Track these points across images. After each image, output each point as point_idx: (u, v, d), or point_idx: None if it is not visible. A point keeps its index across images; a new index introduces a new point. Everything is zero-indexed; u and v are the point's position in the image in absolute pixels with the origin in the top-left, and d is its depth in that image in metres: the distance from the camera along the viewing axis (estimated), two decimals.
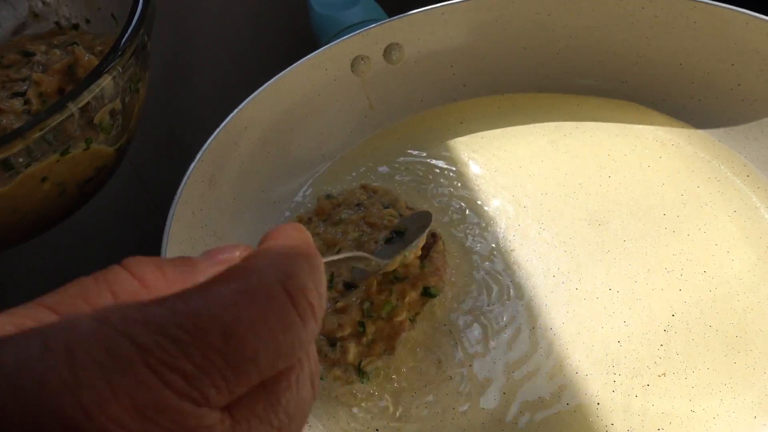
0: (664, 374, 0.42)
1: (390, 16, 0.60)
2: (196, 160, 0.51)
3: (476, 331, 0.46)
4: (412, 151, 0.60)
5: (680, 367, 0.42)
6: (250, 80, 0.57)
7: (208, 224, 0.51)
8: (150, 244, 0.46)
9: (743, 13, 0.51)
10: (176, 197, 0.48)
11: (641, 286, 0.46)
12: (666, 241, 0.48)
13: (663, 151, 0.55)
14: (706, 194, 0.51)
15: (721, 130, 0.54)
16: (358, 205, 0.54)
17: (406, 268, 0.49)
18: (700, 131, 0.55)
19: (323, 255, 0.51)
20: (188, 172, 0.50)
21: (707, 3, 0.53)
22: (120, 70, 0.41)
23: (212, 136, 0.52)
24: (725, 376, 0.41)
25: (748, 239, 0.47)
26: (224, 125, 0.53)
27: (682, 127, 0.56)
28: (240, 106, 0.54)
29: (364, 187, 0.56)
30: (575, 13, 0.59)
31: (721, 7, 0.52)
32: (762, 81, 0.52)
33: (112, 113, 0.41)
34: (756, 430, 0.38)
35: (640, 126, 0.57)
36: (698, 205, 0.50)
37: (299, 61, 0.57)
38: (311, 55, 0.58)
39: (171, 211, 0.47)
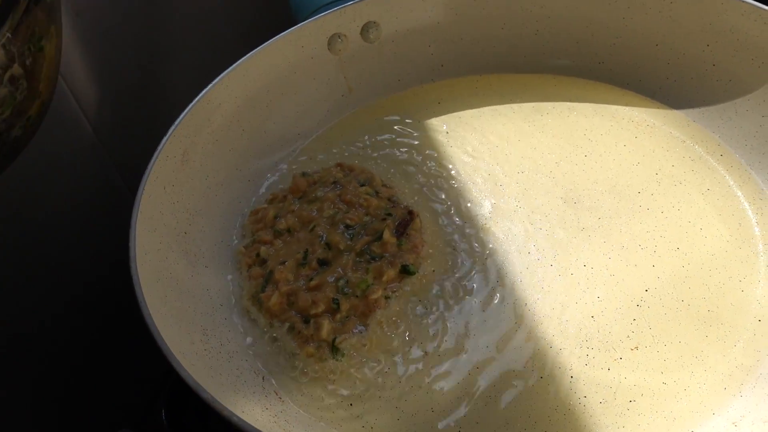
0: (637, 348, 0.42)
1: None
2: (167, 135, 0.50)
3: (451, 308, 0.46)
4: (389, 131, 0.60)
5: (652, 340, 0.42)
6: (227, 57, 0.56)
7: (180, 200, 0.50)
8: (121, 221, 0.45)
9: None
10: (147, 172, 0.47)
11: (615, 262, 0.46)
12: (640, 218, 0.49)
13: (638, 131, 0.55)
14: (680, 173, 0.51)
15: (695, 110, 0.55)
16: (334, 183, 0.54)
17: (383, 245, 0.48)
18: (675, 111, 0.56)
19: (298, 232, 0.51)
20: (159, 148, 0.49)
21: None
22: (9, 35, 0.36)
23: (184, 112, 0.51)
24: (696, 350, 0.41)
25: (721, 217, 0.48)
26: (197, 101, 0.52)
27: (658, 108, 0.56)
28: (213, 83, 0.53)
29: (340, 165, 0.56)
30: None
31: None
32: (736, 61, 0.52)
33: (12, 80, 0.37)
34: (726, 401, 0.39)
35: (616, 106, 0.57)
36: (672, 183, 0.50)
37: (274, 38, 0.57)
38: (287, 31, 0.57)
39: (141, 187, 0.46)
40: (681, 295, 0.44)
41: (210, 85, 0.53)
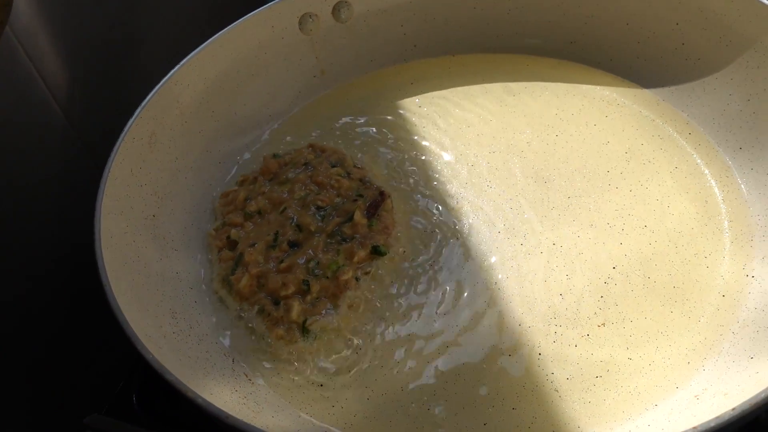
0: (604, 324, 0.42)
1: None
2: (133, 117, 0.49)
3: (421, 287, 0.46)
4: (361, 111, 0.59)
5: (619, 317, 0.42)
6: (200, 36, 0.55)
7: (148, 183, 0.49)
8: (92, 204, 0.44)
9: None
10: (112, 155, 0.46)
11: (584, 240, 0.47)
12: (609, 197, 0.49)
13: (609, 110, 0.55)
14: (649, 151, 0.51)
15: (665, 89, 0.55)
16: (305, 164, 0.53)
17: (353, 227, 0.48)
18: (645, 90, 0.56)
19: (268, 214, 0.50)
20: (125, 130, 0.48)
21: None
22: None
23: (150, 94, 0.50)
24: (662, 325, 0.42)
25: (688, 194, 0.48)
26: (163, 83, 0.51)
27: (628, 87, 0.56)
28: (180, 64, 0.53)
29: (312, 146, 0.55)
30: None
31: None
32: (705, 40, 0.52)
33: None
34: (689, 374, 0.39)
35: (587, 86, 0.57)
36: (641, 162, 0.51)
37: (243, 18, 0.56)
38: (256, 11, 0.56)
39: (106, 170, 0.45)
40: (648, 272, 0.44)
41: (177, 67, 0.52)
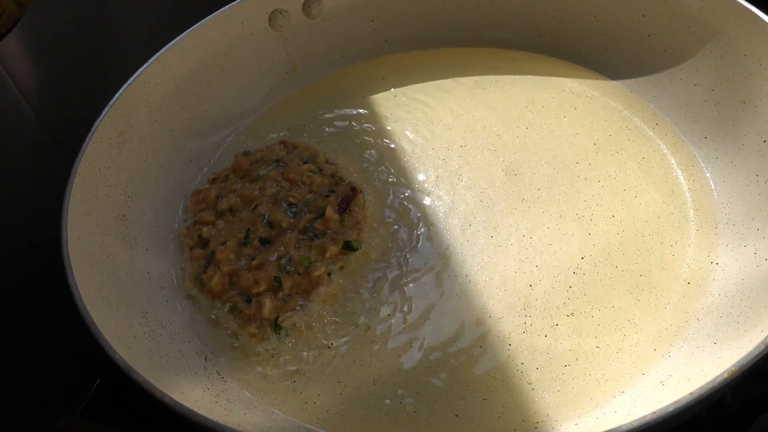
0: (572, 314, 0.43)
1: None
2: (101, 116, 0.48)
3: (393, 282, 0.46)
4: (333, 107, 0.59)
5: (587, 306, 0.43)
6: (172, 32, 0.54)
7: (117, 183, 0.49)
8: (60, 202, 0.44)
9: None
10: (79, 155, 0.46)
11: (553, 231, 0.47)
12: (578, 188, 0.49)
13: (578, 102, 0.56)
14: (617, 142, 0.52)
15: (632, 81, 0.56)
16: (276, 161, 0.53)
17: (325, 222, 0.48)
18: (613, 82, 0.56)
19: (240, 211, 0.50)
20: (93, 129, 0.48)
21: None
22: None
23: (118, 93, 0.50)
24: (629, 313, 0.42)
25: (655, 184, 0.49)
26: (131, 81, 0.51)
27: (597, 79, 0.57)
28: (149, 62, 0.52)
29: (283, 142, 0.55)
30: None
31: None
32: (670, 31, 0.53)
33: None
34: (655, 361, 0.40)
35: (557, 78, 0.58)
36: (609, 153, 0.51)
37: (211, 15, 0.56)
38: (225, 8, 0.56)
39: (74, 170, 0.45)
40: (615, 262, 0.45)
41: (145, 65, 0.52)
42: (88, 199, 0.45)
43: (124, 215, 0.48)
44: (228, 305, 0.45)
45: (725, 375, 0.30)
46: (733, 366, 0.30)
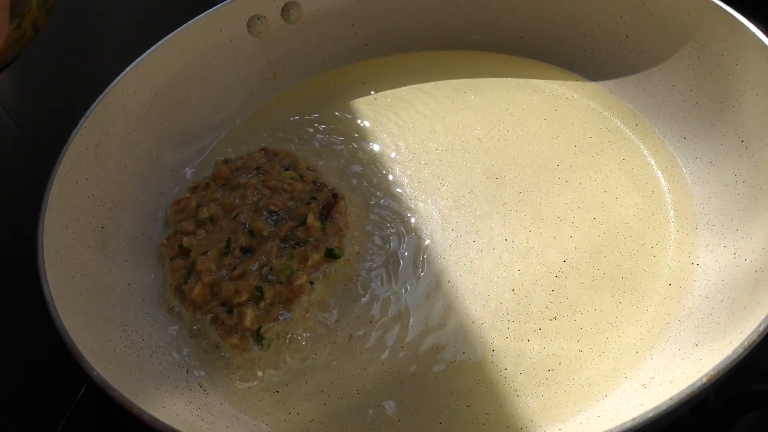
0: (555, 318, 0.43)
1: None
2: (77, 128, 0.48)
3: (376, 289, 0.46)
4: (314, 112, 0.59)
5: (570, 310, 0.43)
6: (152, 40, 0.54)
7: (95, 194, 0.48)
8: (34, 213, 0.43)
9: None
10: (55, 167, 0.45)
11: (535, 235, 0.47)
12: (559, 190, 0.49)
13: (558, 104, 0.56)
14: (597, 144, 0.52)
15: (612, 82, 0.56)
16: (257, 168, 0.53)
17: (307, 230, 0.48)
18: (593, 83, 0.57)
19: (221, 220, 0.50)
20: (69, 141, 0.47)
21: None
22: None
23: (95, 103, 0.49)
24: (611, 316, 0.42)
25: (635, 185, 0.49)
26: (108, 91, 0.50)
27: (576, 80, 0.57)
28: (125, 71, 0.52)
29: (264, 149, 0.55)
30: None
31: None
32: (648, 32, 0.53)
33: None
34: (637, 364, 0.40)
35: (537, 80, 0.58)
36: (590, 155, 0.51)
37: (189, 22, 0.55)
38: (202, 15, 0.56)
39: (50, 183, 0.44)
40: (597, 264, 0.45)
41: (121, 75, 0.52)
42: (65, 212, 0.45)
43: (102, 227, 0.48)
44: (209, 316, 0.44)
45: (704, 380, 0.30)
46: (712, 370, 0.31)
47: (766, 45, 0.44)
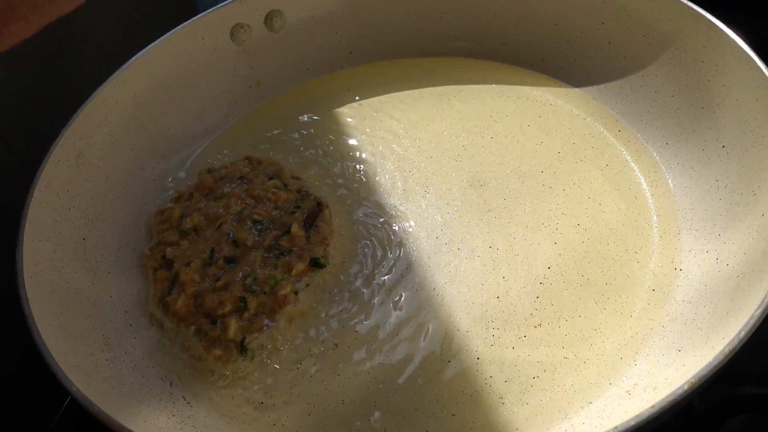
0: (540, 325, 0.43)
1: None
2: (58, 138, 0.47)
3: (361, 297, 0.46)
4: (299, 121, 0.59)
5: (554, 317, 0.43)
6: (132, 50, 0.54)
7: (77, 205, 0.48)
8: (14, 226, 0.43)
9: None
10: (36, 179, 0.45)
11: (519, 242, 0.47)
12: (543, 197, 0.50)
13: (542, 111, 0.56)
14: (580, 150, 0.52)
15: (594, 88, 0.56)
16: (241, 178, 0.53)
17: (291, 239, 0.48)
18: (576, 89, 0.57)
19: (204, 230, 0.49)
20: (49, 152, 0.47)
21: None
22: None
23: (75, 114, 0.49)
24: (595, 322, 0.43)
25: (618, 191, 0.49)
26: (89, 102, 0.50)
27: (560, 87, 0.57)
28: (107, 81, 0.51)
29: (248, 158, 0.55)
30: None
31: None
32: (629, 39, 0.54)
33: None
34: (621, 370, 0.40)
35: (521, 87, 0.58)
36: (573, 161, 0.52)
37: (171, 32, 0.55)
38: (184, 24, 0.55)
39: (29, 195, 0.44)
40: (581, 270, 0.45)
41: (104, 84, 0.51)
42: (45, 224, 0.44)
43: (84, 238, 0.47)
44: (193, 328, 0.44)
45: (685, 387, 0.30)
46: (693, 377, 0.31)
47: (745, 52, 0.44)
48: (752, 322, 0.32)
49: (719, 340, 0.35)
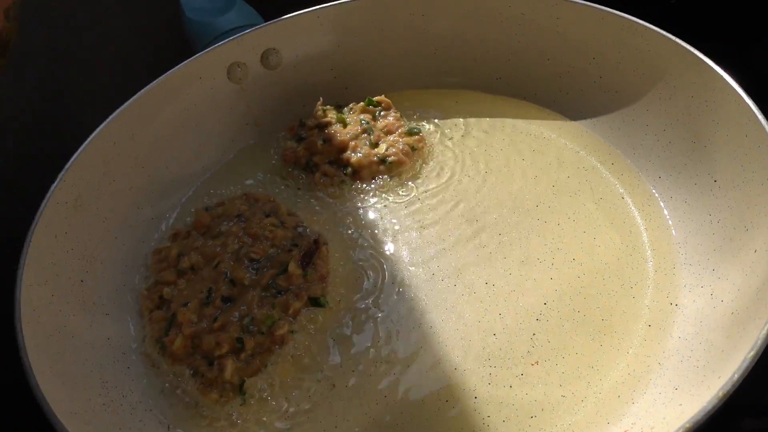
0: (537, 363, 0.43)
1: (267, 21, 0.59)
2: (56, 182, 0.48)
3: (358, 336, 0.46)
4: None
5: (551, 354, 0.43)
6: (130, 91, 0.54)
7: (75, 247, 0.48)
8: (12, 270, 0.43)
9: (599, 9, 0.54)
10: (34, 223, 0.45)
11: (515, 278, 0.47)
12: (538, 232, 0.50)
13: (536, 144, 0.56)
14: (575, 184, 0.53)
15: (588, 121, 0.57)
16: (238, 216, 0.53)
17: (288, 278, 0.48)
18: (569, 122, 0.57)
19: (202, 269, 0.50)
20: (47, 196, 0.47)
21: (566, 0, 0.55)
22: None
23: (74, 157, 0.49)
24: (592, 359, 0.43)
25: (613, 225, 0.50)
26: (87, 144, 0.50)
27: (554, 119, 0.58)
28: (105, 122, 0.52)
29: (245, 195, 0.55)
30: (447, 13, 0.60)
31: (578, 3, 0.55)
32: (620, 73, 0.54)
33: None
34: (619, 409, 0.40)
35: (515, 120, 0.59)
36: (568, 195, 0.52)
37: (168, 72, 0.56)
38: (182, 64, 0.56)
39: (27, 240, 0.44)
40: (577, 306, 0.45)
41: (101, 125, 0.52)
42: (44, 268, 0.45)
43: (82, 280, 0.47)
44: (189, 370, 0.44)
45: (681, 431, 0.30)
46: (688, 422, 0.31)
47: (734, 89, 0.45)
48: (745, 365, 0.32)
49: (715, 379, 0.35)
